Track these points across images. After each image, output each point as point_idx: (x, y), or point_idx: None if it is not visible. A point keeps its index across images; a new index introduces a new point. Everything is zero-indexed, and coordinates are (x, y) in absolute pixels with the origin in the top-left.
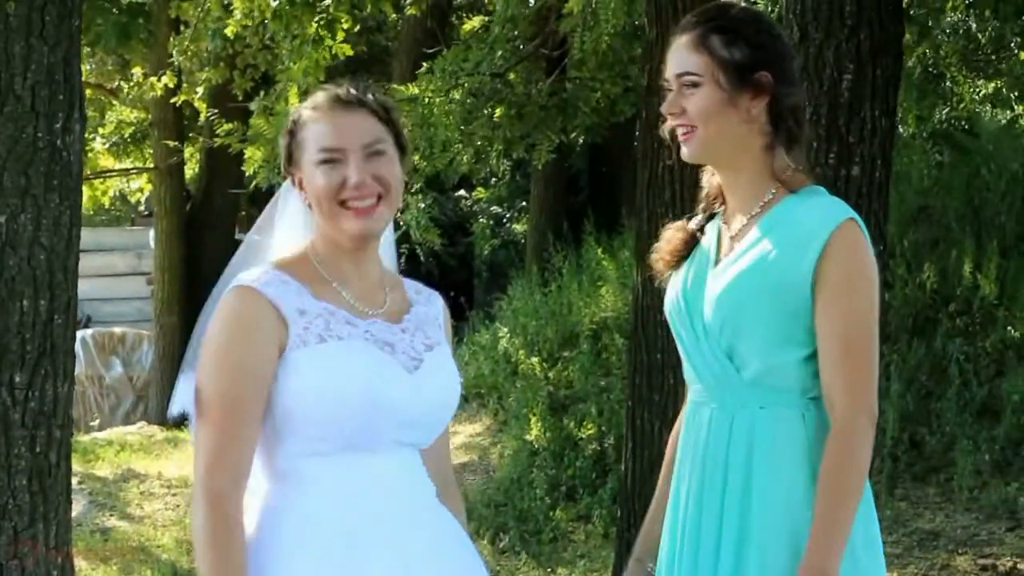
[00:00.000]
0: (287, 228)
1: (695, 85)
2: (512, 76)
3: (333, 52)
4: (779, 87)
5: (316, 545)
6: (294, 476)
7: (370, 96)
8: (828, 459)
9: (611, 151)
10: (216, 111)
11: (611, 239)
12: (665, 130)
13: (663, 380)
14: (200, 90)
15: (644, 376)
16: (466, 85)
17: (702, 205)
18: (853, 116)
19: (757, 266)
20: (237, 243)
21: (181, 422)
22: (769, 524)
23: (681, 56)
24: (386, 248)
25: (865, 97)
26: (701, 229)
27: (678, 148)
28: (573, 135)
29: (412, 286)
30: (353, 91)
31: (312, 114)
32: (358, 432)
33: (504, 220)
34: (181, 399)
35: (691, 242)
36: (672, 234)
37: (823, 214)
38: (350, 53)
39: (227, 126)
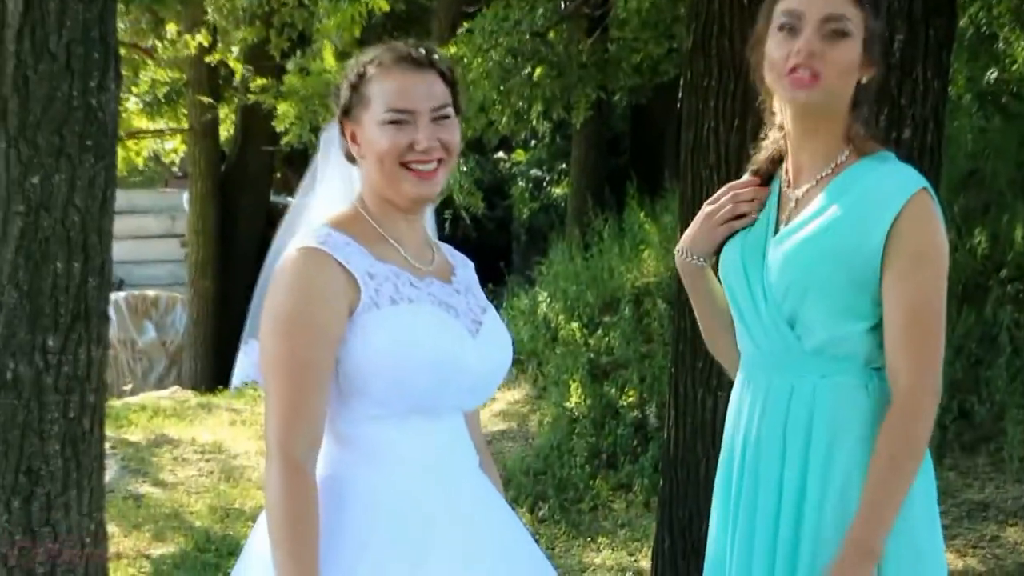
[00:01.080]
0: (329, 182)
1: (844, 35)
2: (552, 36)
3: (369, 7)
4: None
5: (389, 527)
6: (358, 442)
7: (436, 56)
8: (885, 434)
9: (653, 113)
10: (251, 68)
11: (653, 203)
12: (775, 66)
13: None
14: (235, 49)
15: (687, 343)
16: (505, 44)
17: (755, 168)
18: (905, 78)
19: (826, 231)
20: (273, 206)
21: (215, 387)
22: (828, 497)
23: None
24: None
25: (917, 58)
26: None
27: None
28: (615, 96)
29: (446, 248)
30: (423, 50)
31: (380, 70)
32: (426, 396)
33: (544, 183)
34: (245, 368)
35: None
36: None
37: (897, 182)
38: (386, 8)
39: (261, 81)
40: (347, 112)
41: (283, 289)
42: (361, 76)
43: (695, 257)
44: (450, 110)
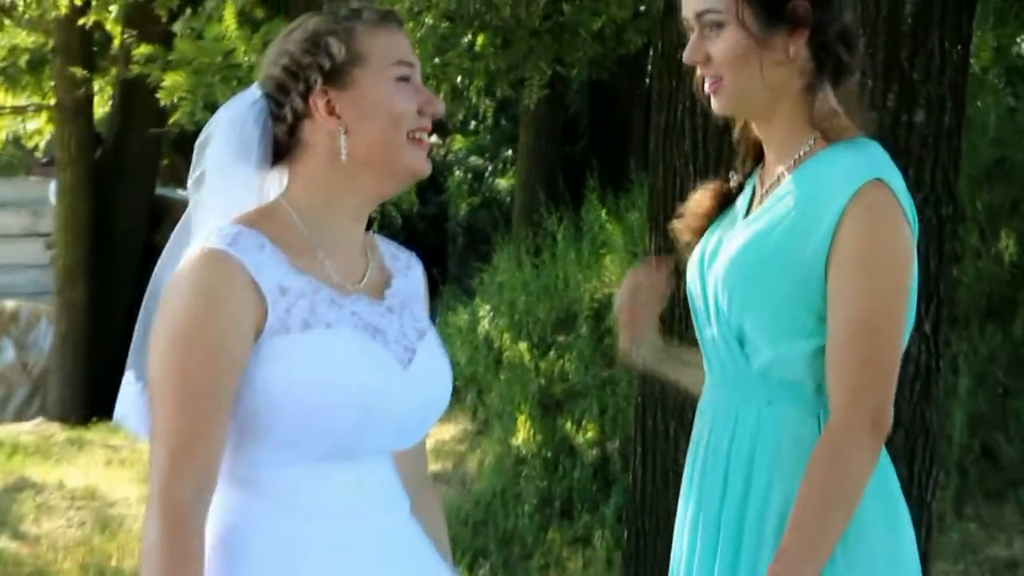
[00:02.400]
0: (229, 181)
1: (718, 25)
2: None
3: None
4: (820, 14)
5: None
6: (263, 487)
7: None
8: (811, 469)
9: (617, 90)
10: (133, 33)
11: (617, 198)
12: (697, 81)
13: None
14: (114, 9)
15: None
16: (440, 6)
17: (739, 159)
18: (918, 48)
19: (768, 232)
20: (159, 200)
21: (87, 419)
22: (766, 539)
23: None
24: None
25: (933, 24)
26: (740, 187)
27: (693, 103)
28: (571, 69)
29: (387, 248)
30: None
31: (368, 27)
32: (345, 438)
33: (485, 174)
34: (128, 401)
35: (725, 204)
36: (703, 194)
37: (844, 171)
38: None
39: (145, 49)
40: (332, 74)
41: (178, 299)
42: (350, 31)
43: (645, 355)
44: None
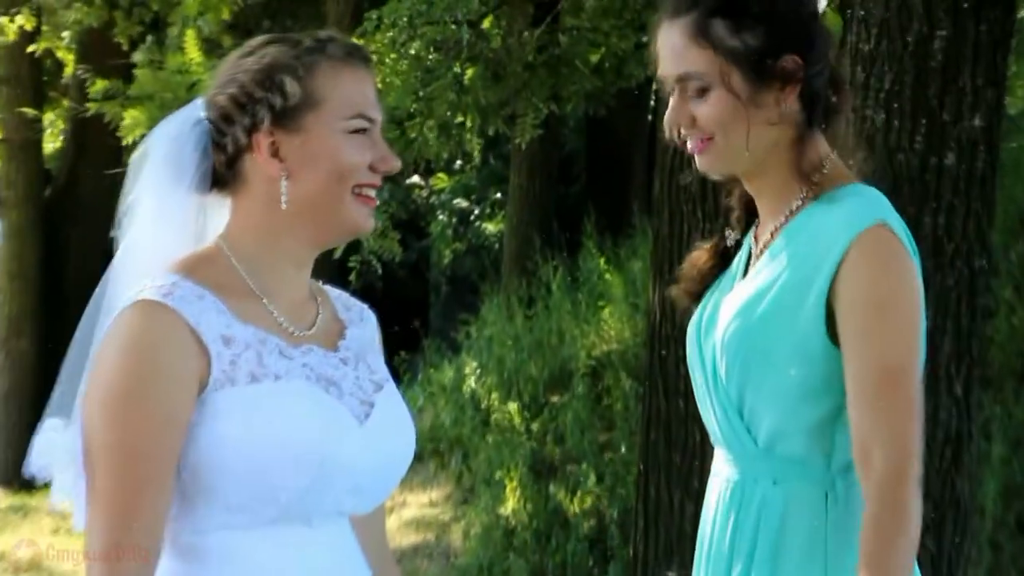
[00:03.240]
0: (164, 215)
1: (703, 90)
2: (488, 25)
3: None
4: (811, 67)
5: None
6: (206, 555)
7: None
8: (871, 525)
9: (618, 126)
10: (88, 67)
11: (617, 245)
12: (672, 136)
13: (686, 436)
14: (67, 36)
15: (660, 429)
16: (427, 36)
17: (735, 215)
18: (948, 86)
19: (762, 294)
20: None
21: (33, 484)
22: None
23: (679, 50)
24: None
25: (965, 61)
26: (738, 244)
27: (691, 157)
28: (568, 104)
29: (338, 298)
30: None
31: (331, 64)
32: (297, 500)
33: (472, 217)
34: (43, 455)
35: (723, 264)
36: (699, 255)
37: (844, 219)
38: None
39: (102, 84)
40: (282, 115)
41: (113, 356)
42: (310, 69)
43: None
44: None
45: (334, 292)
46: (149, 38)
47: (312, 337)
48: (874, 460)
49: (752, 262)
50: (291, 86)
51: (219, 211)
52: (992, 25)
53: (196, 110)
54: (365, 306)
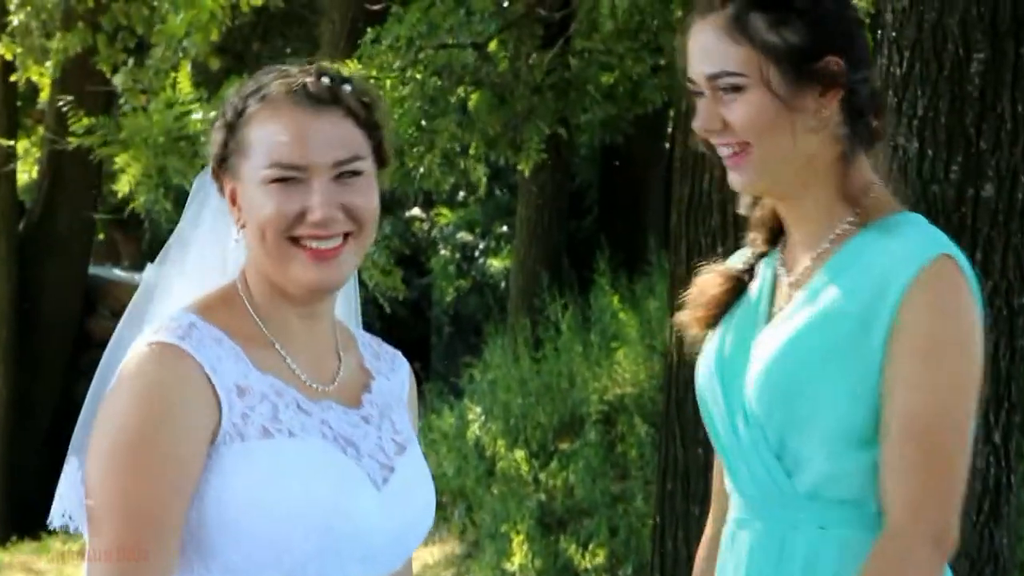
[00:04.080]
0: (201, 247)
1: (737, 89)
2: (494, 47)
3: (234, 2)
4: (854, 73)
5: None
6: None
7: (347, 88)
8: None
9: (633, 156)
10: (66, 95)
11: (632, 282)
12: (699, 145)
13: (705, 486)
14: (50, 65)
15: (678, 479)
16: (429, 60)
17: (751, 237)
18: (986, 113)
19: (818, 327)
20: (94, 281)
21: (5, 539)
22: None
23: (711, 47)
24: (346, 293)
25: (1003, 85)
26: (750, 270)
27: (723, 172)
28: (579, 132)
29: (368, 345)
30: (326, 79)
31: (264, 106)
32: (302, 567)
33: (477, 253)
34: (69, 499)
35: (736, 290)
36: (710, 279)
37: (905, 250)
38: (259, 3)
39: (86, 121)
40: (223, 162)
41: (123, 402)
42: (240, 113)
43: None
44: (362, 164)
45: (365, 337)
46: (131, 61)
47: (333, 393)
48: (889, 515)
49: (780, 290)
50: (218, 133)
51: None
52: None
53: None
54: (398, 353)
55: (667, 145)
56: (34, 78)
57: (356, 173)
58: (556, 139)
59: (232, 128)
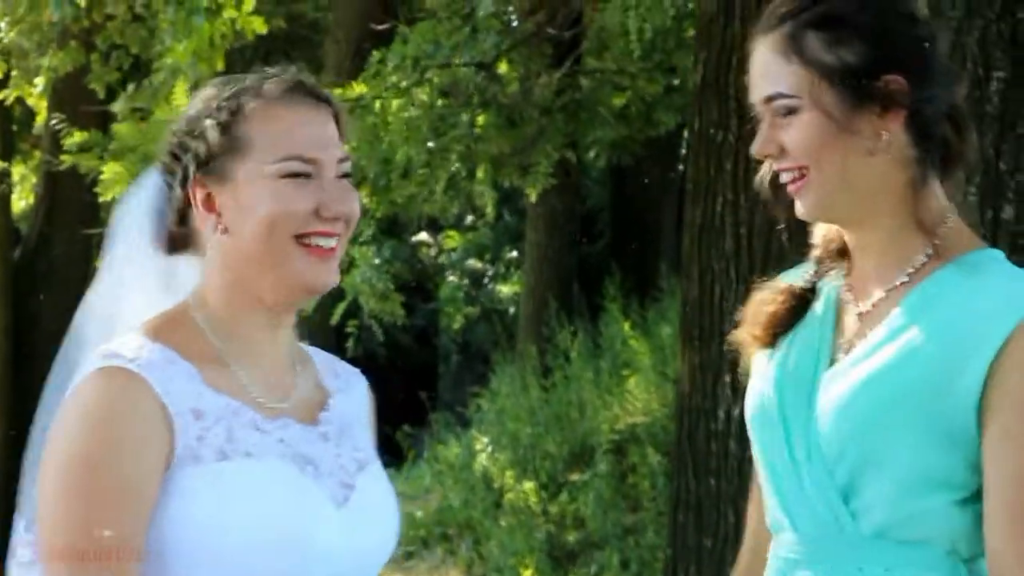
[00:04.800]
0: (140, 275)
1: (792, 112)
2: (503, 67)
3: (237, 27)
4: (919, 92)
5: None
6: None
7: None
8: None
9: (645, 179)
10: (61, 116)
11: (644, 308)
12: (763, 178)
13: (718, 518)
14: (39, 83)
15: (690, 511)
16: (436, 80)
17: (815, 254)
18: (1006, 132)
19: (901, 366)
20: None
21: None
22: None
23: (767, 69)
24: None
25: (1023, 105)
26: (812, 289)
27: (789, 204)
28: (590, 154)
29: (325, 363)
30: (311, 78)
31: (263, 104)
32: None
33: (484, 279)
34: (22, 562)
35: (798, 309)
36: (768, 296)
37: (1001, 298)
38: (262, 31)
39: (79, 136)
40: (207, 164)
41: (72, 430)
42: (235, 113)
43: None
44: (350, 166)
45: (321, 356)
46: (130, 86)
47: (289, 410)
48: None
49: (846, 319)
50: (211, 133)
51: (194, 272)
52: None
53: (157, 167)
54: (357, 371)
55: (681, 167)
56: (26, 98)
57: (347, 175)
58: (566, 161)
59: (227, 128)
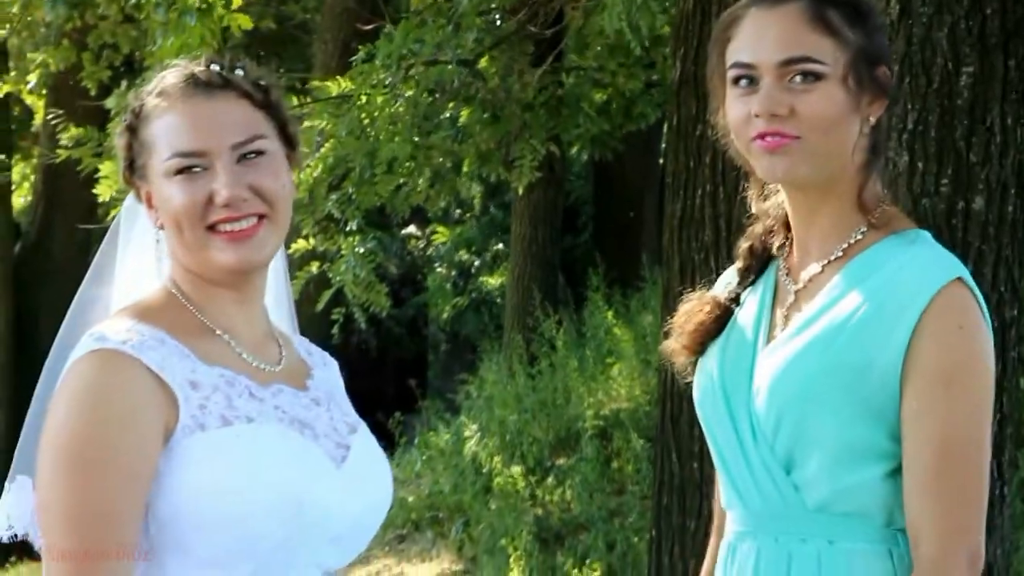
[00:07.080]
0: (135, 262)
1: (817, 78)
2: (486, 64)
3: (225, 25)
4: (894, 89)
5: None
6: None
7: (239, 72)
8: None
9: (626, 172)
10: (59, 112)
11: (626, 298)
12: (738, 133)
13: (701, 501)
14: (33, 79)
15: (674, 494)
16: (420, 77)
17: (745, 247)
18: (975, 126)
19: (831, 339)
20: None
21: (4, 561)
22: None
23: (790, 34)
24: (276, 293)
25: (993, 99)
26: (736, 299)
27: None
28: (572, 148)
29: (300, 343)
30: (216, 67)
31: (159, 102)
32: (271, 552)
33: (472, 270)
34: (15, 514)
35: (723, 317)
36: (695, 306)
37: (920, 272)
38: (249, 27)
39: (75, 132)
40: (131, 167)
41: (69, 410)
42: (137, 114)
43: None
44: (265, 143)
45: (296, 337)
46: (124, 83)
47: (280, 375)
48: (921, 545)
49: (788, 298)
50: (123, 136)
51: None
52: (1022, 61)
53: None
54: (326, 353)
55: (661, 160)
56: (25, 98)
57: (259, 153)
58: (550, 156)
59: (134, 130)
